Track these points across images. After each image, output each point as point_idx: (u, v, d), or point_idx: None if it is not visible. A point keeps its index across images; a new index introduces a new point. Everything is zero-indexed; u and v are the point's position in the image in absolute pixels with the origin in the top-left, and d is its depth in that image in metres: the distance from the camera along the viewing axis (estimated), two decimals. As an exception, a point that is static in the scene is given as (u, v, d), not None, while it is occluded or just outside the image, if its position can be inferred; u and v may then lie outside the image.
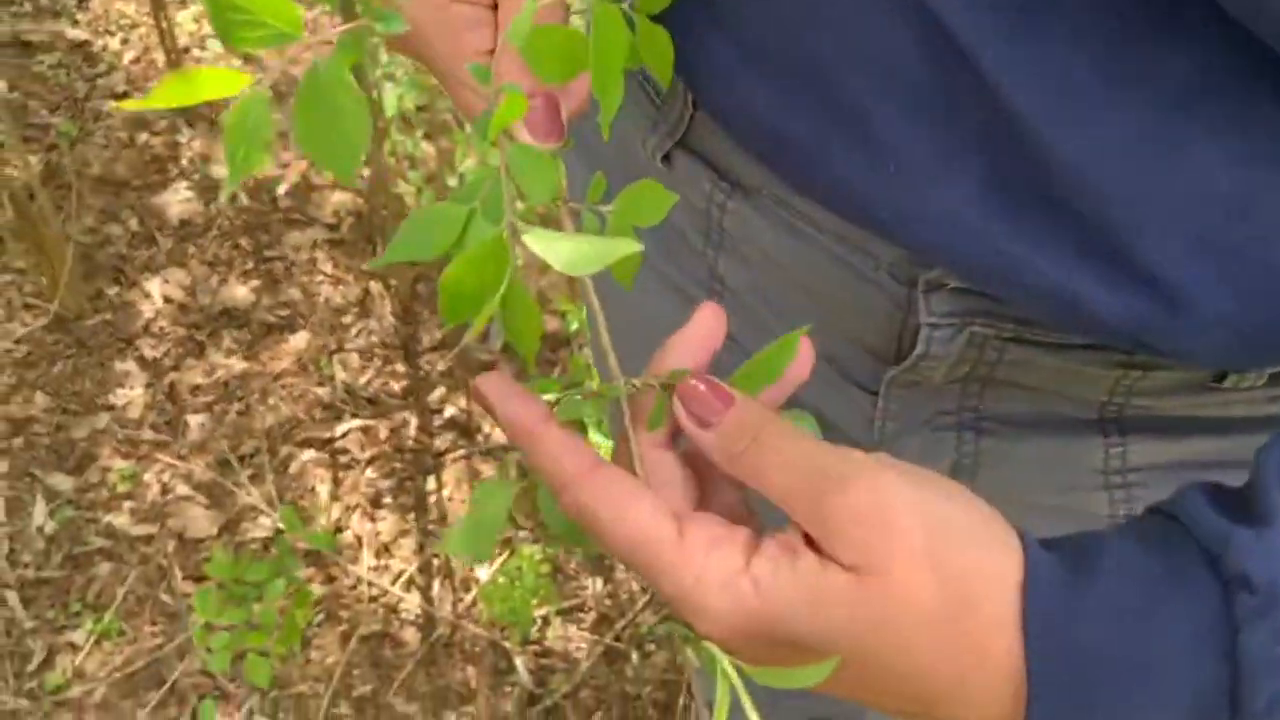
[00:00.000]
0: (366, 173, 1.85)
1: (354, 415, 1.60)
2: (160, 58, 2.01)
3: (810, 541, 0.34)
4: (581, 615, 1.42)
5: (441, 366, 1.65)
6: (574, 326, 1.67)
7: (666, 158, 0.54)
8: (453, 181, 1.80)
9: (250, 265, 1.79)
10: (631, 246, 0.34)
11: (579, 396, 0.42)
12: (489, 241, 0.34)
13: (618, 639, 1.39)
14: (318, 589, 1.43)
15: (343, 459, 1.56)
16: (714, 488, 0.39)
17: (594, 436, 1.22)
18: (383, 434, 1.59)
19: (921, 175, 0.41)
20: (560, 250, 0.34)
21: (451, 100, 0.43)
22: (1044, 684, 0.32)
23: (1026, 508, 0.41)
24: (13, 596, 1.42)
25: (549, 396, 0.40)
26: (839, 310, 0.52)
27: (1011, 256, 0.41)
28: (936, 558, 0.32)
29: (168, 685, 1.34)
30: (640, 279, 0.64)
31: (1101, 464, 0.53)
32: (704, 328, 0.40)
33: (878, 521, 0.33)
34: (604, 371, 0.57)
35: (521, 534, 1.47)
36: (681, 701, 1.34)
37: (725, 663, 0.31)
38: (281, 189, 1.87)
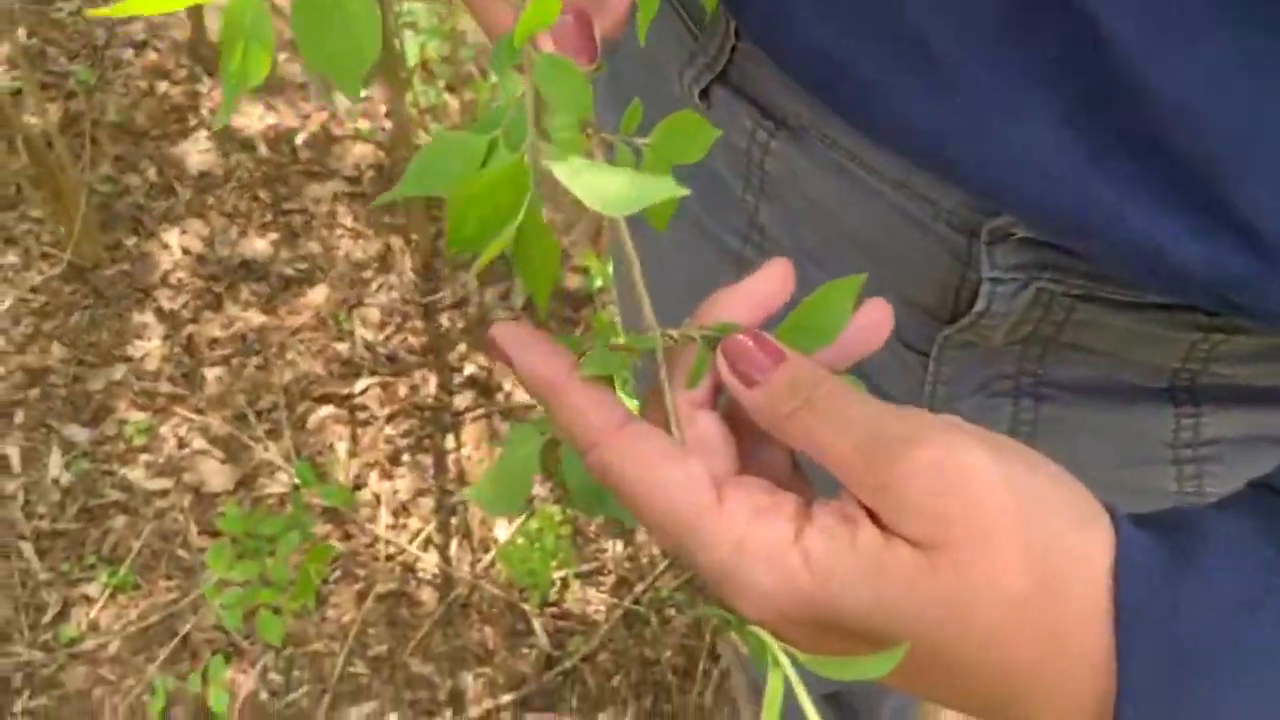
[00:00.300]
0: (388, 125, 1.81)
1: (373, 372, 1.58)
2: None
3: (871, 515, 0.31)
4: (601, 578, 1.39)
5: (462, 324, 1.62)
6: (598, 284, 1.63)
7: (704, 93, 0.50)
8: (476, 134, 1.76)
9: (269, 218, 1.76)
10: (674, 189, 0.30)
11: (608, 348, 0.38)
12: (508, 165, 0.31)
13: (637, 602, 1.37)
14: (334, 547, 1.41)
15: (361, 415, 1.53)
16: (758, 451, 0.35)
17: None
18: (402, 391, 1.56)
19: (993, 109, 0.37)
20: (593, 184, 0.30)
21: (477, 22, 0.40)
22: (1137, 684, 0.28)
23: (1086, 482, 0.37)
24: (28, 548, 1.40)
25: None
26: (891, 263, 0.49)
27: (1092, 201, 0.37)
28: (1021, 535, 0.28)
29: (182, 639, 1.32)
30: (670, 227, 0.60)
31: (1171, 436, 0.49)
32: (770, 284, 0.36)
33: (952, 491, 0.29)
34: (634, 326, 0.53)
35: (542, 494, 1.44)
36: (702, 667, 1.31)
37: (777, 650, 0.28)
38: (300, 139, 1.83)
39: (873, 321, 0.35)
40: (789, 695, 0.27)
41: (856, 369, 0.58)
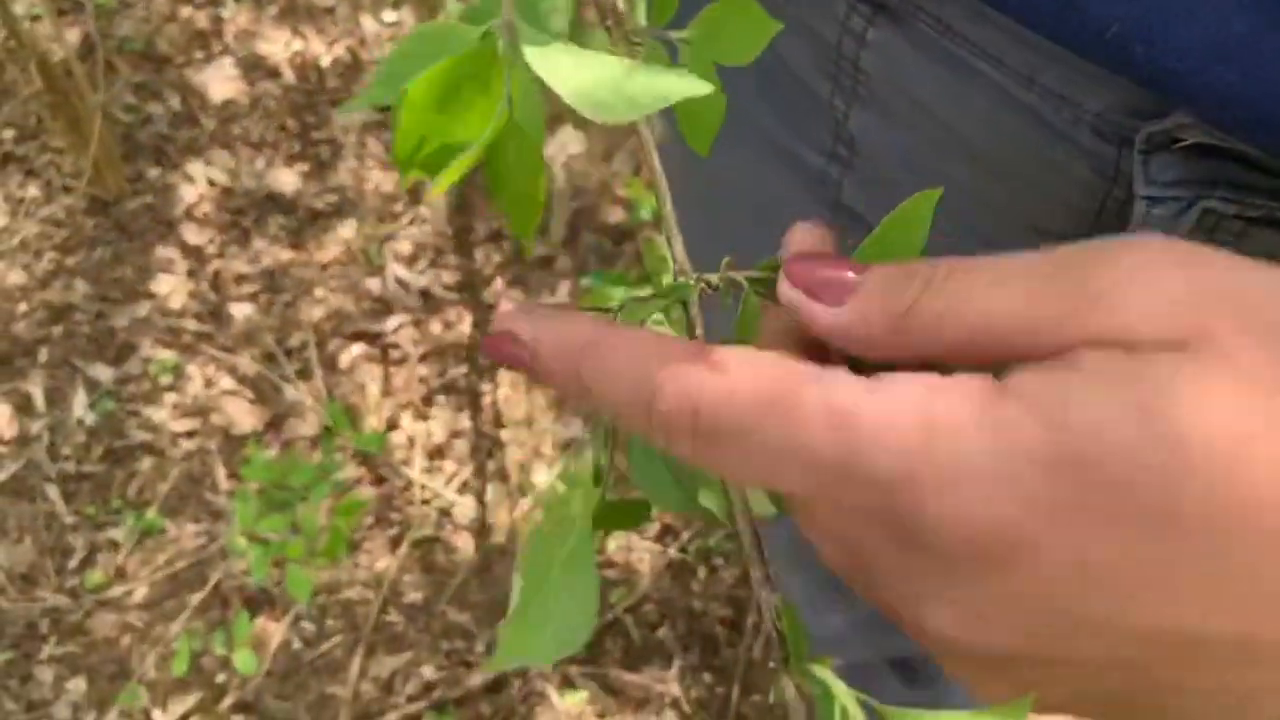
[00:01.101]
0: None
1: (405, 309, 1.51)
2: (201, -76, 1.88)
3: None
4: (645, 525, 1.33)
5: (498, 258, 1.55)
6: (642, 215, 1.55)
7: None
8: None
9: (297, 148, 1.69)
10: (700, 85, 0.22)
11: (643, 298, 0.31)
12: (472, 50, 0.23)
13: (684, 551, 1.31)
14: (367, 490, 1.36)
15: (394, 354, 1.47)
16: None
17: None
18: (435, 329, 1.50)
19: None
20: (579, 77, 0.22)
21: None
22: None
23: None
24: (53, 491, 1.36)
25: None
26: (1015, 181, 0.41)
27: None
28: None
29: (211, 586, 1.28)
30: (736, 145, 0.52)
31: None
32: None
33: (1197, 263, 0.21)
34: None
35: (583, 435, 1.38)
36: (751, 620, 1.25)
37: (845, 698, 0.21)
38: (327, 65, 1.75)
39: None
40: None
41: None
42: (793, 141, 0.49)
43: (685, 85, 0.22)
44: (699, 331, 0.29)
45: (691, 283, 0.29)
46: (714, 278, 0.29)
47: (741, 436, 0.23)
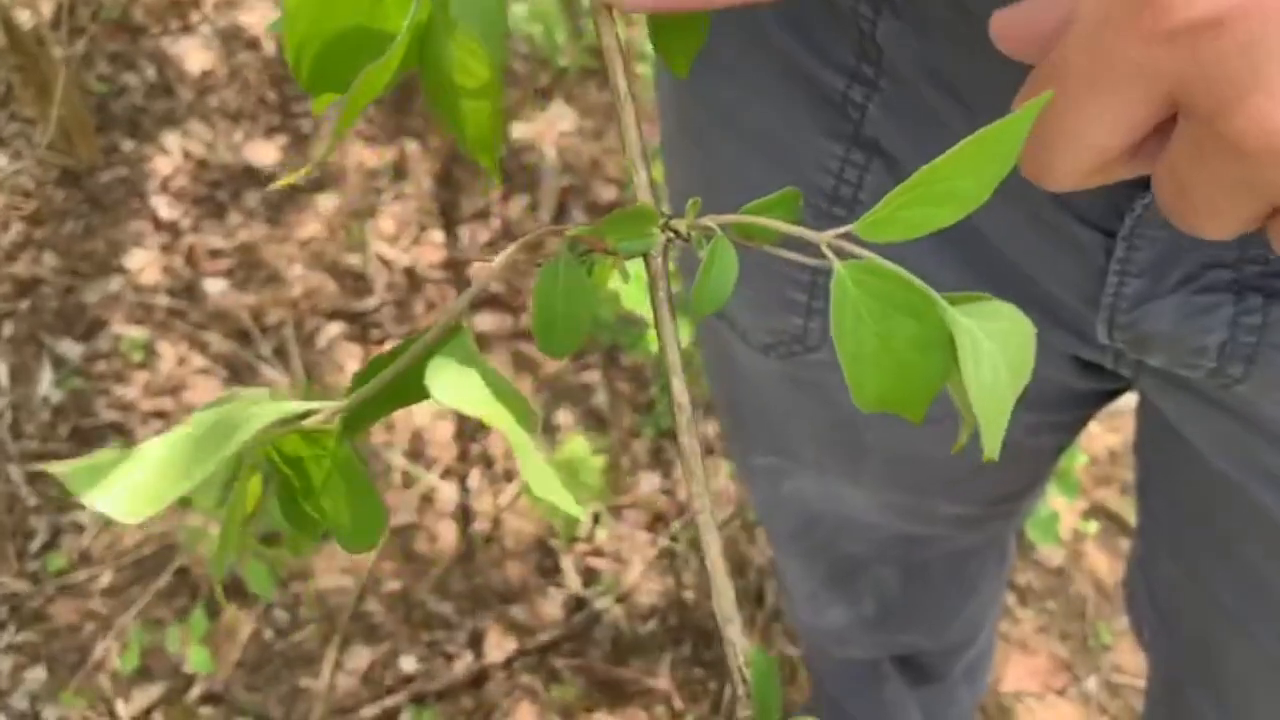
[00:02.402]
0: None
1: (387, 287, 1.46)
2: (180, -112, 1.82)
3: None
4: (635, 513, 1.28)
5: (484, 236, 1.50)
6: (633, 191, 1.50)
7: None
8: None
9: (276, 121, 1.63)
10: None
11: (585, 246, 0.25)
12: None
13: (674, 540, 1.26)
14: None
15: (374, 334, 1.42)
16: None
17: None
18: (418, 309, 1.44)
19: None
20: None
21: None
22: None
23: None
24: (15, 471, 1.30)
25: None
26: None
27: None
28: None
29: (179, 572, 1.22)
30: (745, 65, 0.46)
31: None
32: None
33: None
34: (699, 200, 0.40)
35: (569, 422, 1.33)
36: (747, 612, 1.20)
37: None
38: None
39: None
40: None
41: (1008, 260, 0.45)
42: (812, 61, 0.44)
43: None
44: (664, 293, 0.23)
45: (654, 223, 0.23)
46: (682, 224, 0.23)
47: None
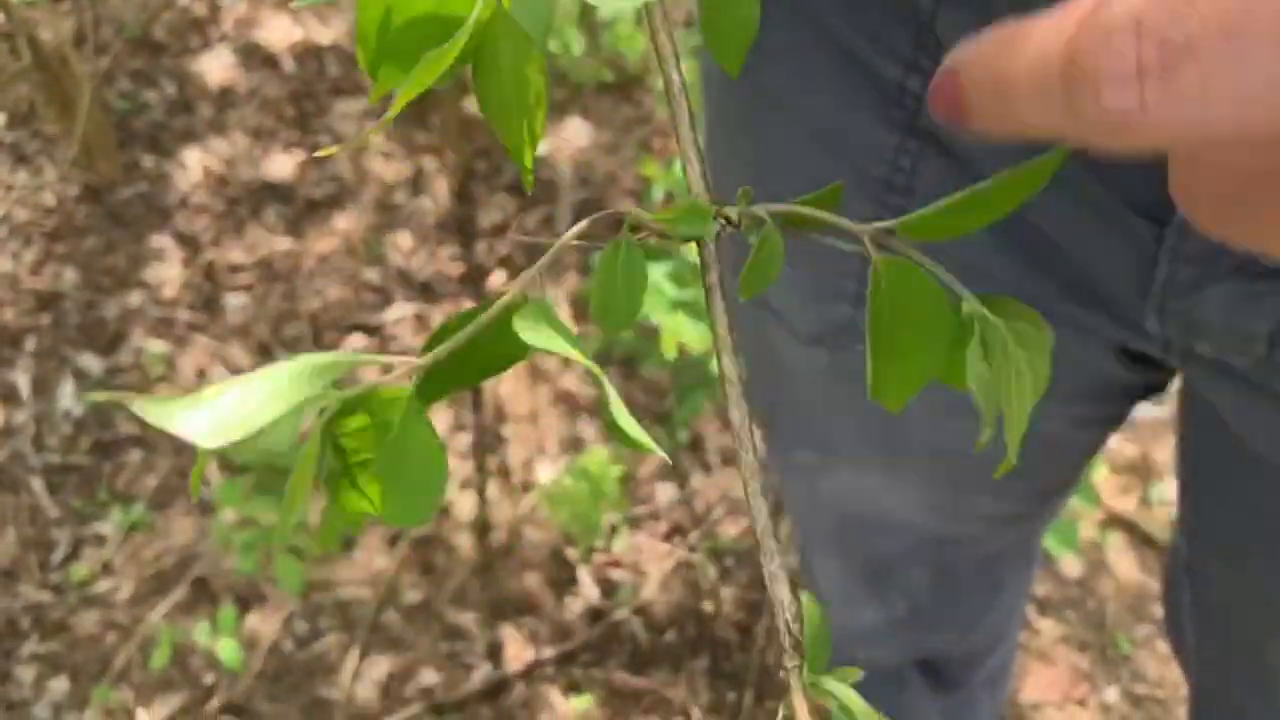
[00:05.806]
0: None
1: (405, 300, 1.47)
2: (200, -91, 1.84)
3: None
4: (654, 524, 1.28)
5: (501, 250, 1.51)
6: (656, 199, 1.51)
7: None
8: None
9: (295, 137, 1.64)
10: None
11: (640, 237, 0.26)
12: None
13: (693, 550, 1.26)
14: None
15: (393, 347, 1.42)
16: None
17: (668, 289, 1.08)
18: (436, 321, 1.45)
19: None
20: None
21: None
22: None
23: None
24: (38, 483, 1.31)
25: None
26: None
27: None
28: None
29: (200, 583, 1.23)
30: (800, 53, 0.47)
31: None
32: None
33: None
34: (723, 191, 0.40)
35: (590, 434, 1.34)
36: (764, 623, 1.20)
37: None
38: (327, 54, 1.71)
39: None
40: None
41: (1055, 252, 0.45)
42: (866, 48, 0.44)
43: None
44: (715, 276, 0.24)
45: (709, 214, 0.24)
46: (733, 211, 0.24)
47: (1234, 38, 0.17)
